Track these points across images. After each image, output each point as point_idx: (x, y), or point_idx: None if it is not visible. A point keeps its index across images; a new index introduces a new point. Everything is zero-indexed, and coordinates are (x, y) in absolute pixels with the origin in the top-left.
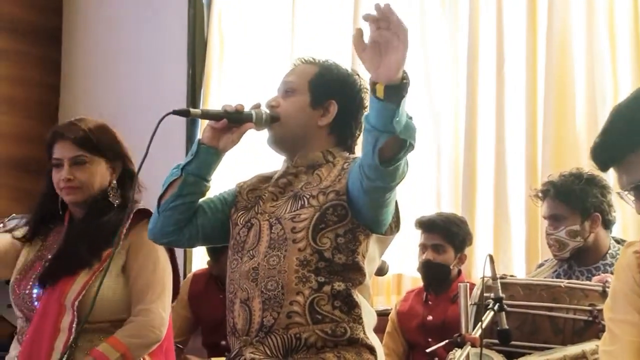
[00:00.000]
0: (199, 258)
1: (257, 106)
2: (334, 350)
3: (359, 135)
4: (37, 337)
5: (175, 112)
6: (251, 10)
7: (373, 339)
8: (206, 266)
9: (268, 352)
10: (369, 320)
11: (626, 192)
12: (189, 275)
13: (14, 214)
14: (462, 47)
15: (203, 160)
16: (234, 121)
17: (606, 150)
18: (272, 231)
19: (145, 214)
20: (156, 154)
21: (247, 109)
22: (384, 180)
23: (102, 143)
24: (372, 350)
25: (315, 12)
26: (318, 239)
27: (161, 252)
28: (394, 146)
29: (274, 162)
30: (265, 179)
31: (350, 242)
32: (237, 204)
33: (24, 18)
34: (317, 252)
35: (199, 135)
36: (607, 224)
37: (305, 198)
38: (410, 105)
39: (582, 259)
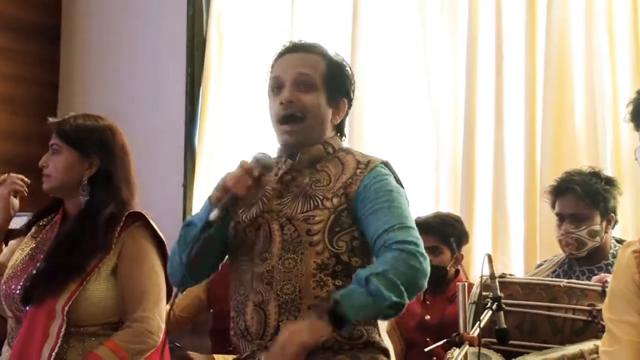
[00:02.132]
0: None
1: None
2: (349, 352)
3: None
4: (27, 342)
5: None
6: (250, 10)
7: (386, 341)
8: None
9: None
10: (382, 322)
11: None
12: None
13: None
14: (461, 47)
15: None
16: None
17: None
18: (284, 232)
19: (137, 217)
20: (156, 155)
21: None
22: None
23: (78, 135)
24: (386, 353)
25: (314, 12)
26: (335, 242)
27: (154, 256)
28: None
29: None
30: None
31: (364, 244)
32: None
33: (23, 16)
34: (334, 256)
35: (197, 137)
36: (614, 225)
37: (317, 198)
38: (410, 104)
39: (588, 258)
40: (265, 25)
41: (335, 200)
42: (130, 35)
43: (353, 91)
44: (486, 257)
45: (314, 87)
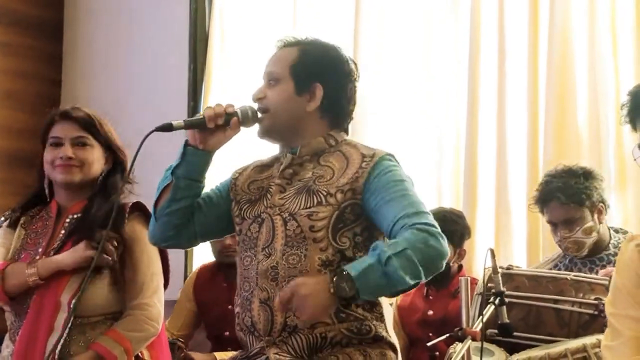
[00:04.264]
0: (200, 254)
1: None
2: (358, 347)
3: (353, 109)
4: (32, 335)
5: (158, 129)
6: (252, 6)
7: (393, 337)
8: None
9: (292, 351)
10: (389, 317)
11: None
12: (196, 268)
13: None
14: (464, 43)
15: (192, 162)
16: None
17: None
18: (287, 228)
19: (137, 207)
20: (158, 151)
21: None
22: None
23: (101, 130)
24: (393, 348)
25: (316, 9)
26: (338, 239)
27: (151, 245)
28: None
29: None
30: (263, 168)
31: (367, 239)
32: (236, 196)
33: (26, 11)
34: (339, 252)
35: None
36: (606, 212)
37: (321, 194)
38: (412, 100)
39: (589, 251)
40: (267, 22)
41: (339, 196)
42: (132, 31)
43: (344, 74)
44: (489, 251)
45: (278, 80)
